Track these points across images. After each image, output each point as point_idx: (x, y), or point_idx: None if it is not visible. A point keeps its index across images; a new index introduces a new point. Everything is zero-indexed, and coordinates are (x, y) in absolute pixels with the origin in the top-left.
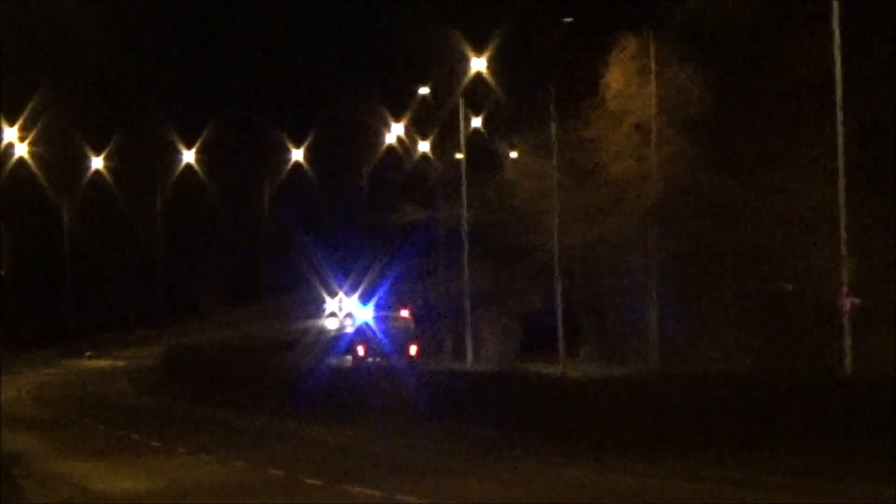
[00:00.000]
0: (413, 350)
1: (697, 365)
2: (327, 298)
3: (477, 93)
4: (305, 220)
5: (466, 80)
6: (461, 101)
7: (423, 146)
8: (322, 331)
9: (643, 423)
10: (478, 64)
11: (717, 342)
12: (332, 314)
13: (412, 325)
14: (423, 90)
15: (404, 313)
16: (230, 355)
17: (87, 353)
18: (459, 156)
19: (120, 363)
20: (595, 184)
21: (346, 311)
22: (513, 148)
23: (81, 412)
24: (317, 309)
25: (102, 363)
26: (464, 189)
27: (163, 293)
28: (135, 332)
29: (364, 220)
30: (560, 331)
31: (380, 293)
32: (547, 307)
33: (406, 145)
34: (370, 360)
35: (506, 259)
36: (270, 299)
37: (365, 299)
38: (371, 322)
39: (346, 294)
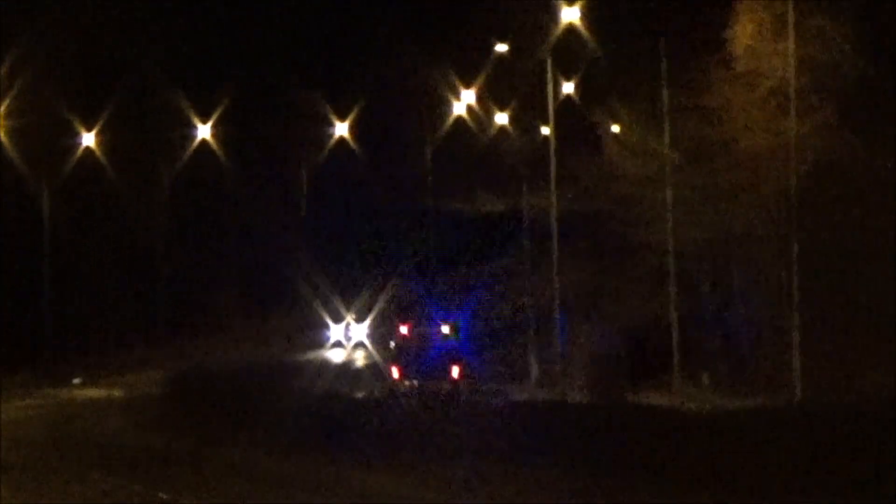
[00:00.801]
0: (455, 372)
1: (852, 395)
2: (331, 324)
3: (568, 50)
4: (349, 212)
5: (555, 35)
6: (549, 62)
7: (501, 118)
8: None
9: (788, 471)
10: (570, 14)
11: (880, 365)
12: (338, 343)
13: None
14: (501, 47)
15: (403, 329)
16: (249, 381)
17: (75, 381)
18: (546, 130)
19: (116, 392)
20: (719, 164)
21: (356, 339)
22: (614, 120)
23: (69, 456)
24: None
25: (94, 392)
26: (552, 172)
27: (167, 305)
28: (132, 353)
29: (426, 212)
30: (675, 350)
31: (425, 302)
32: (658, 321)
33: (479, 117)
34: (406, 383)
35: (605, 260)
36: (304, 309)
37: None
38: (414, 337)
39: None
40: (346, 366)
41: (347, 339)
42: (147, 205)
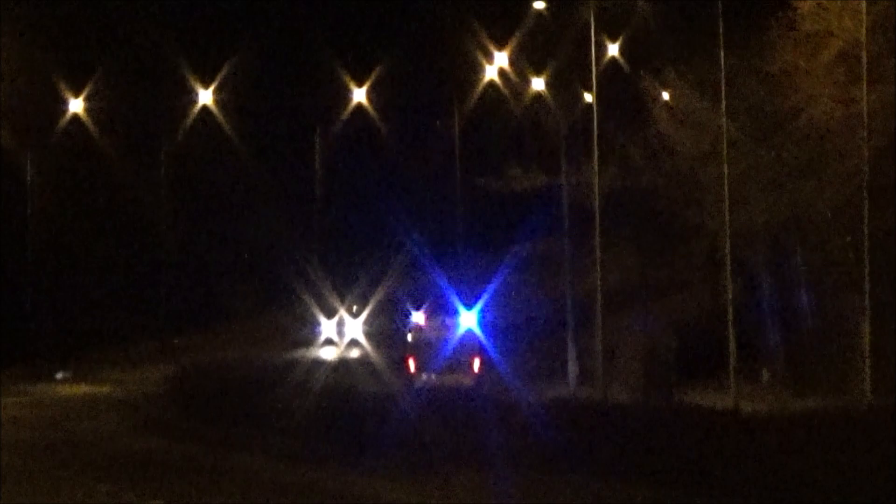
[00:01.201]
0: (476, 365)
1: None
2: (323, 320)
3: (614, 9)
4: (365, 189)
5: None
6: (592, 21)
7: (538, 84)
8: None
9: (859, 483)
10: None
11: None
12: (329, 341)
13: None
14: (538, 4)
15: (418, 317)
16: (260, 378)
17: (59, 375)
18: (588, 98)
19: (105, 389)
20: (782, 137)
21: (350, 336)
22: (664, 87)
23: (57, 461)
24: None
25: (82, 389)
26: (595, 145)
27: (167, 292)
28: (129, 347)
29: (452, 188)
30: (731, 346)
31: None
32: (712, 312)
33: (513, 83)
34: (423, 377)
35: (654, 244)
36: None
37: (435, 299)
38: (431, 328)
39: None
40: (337, 366)
41: (341, 336)
42: (144, 180)
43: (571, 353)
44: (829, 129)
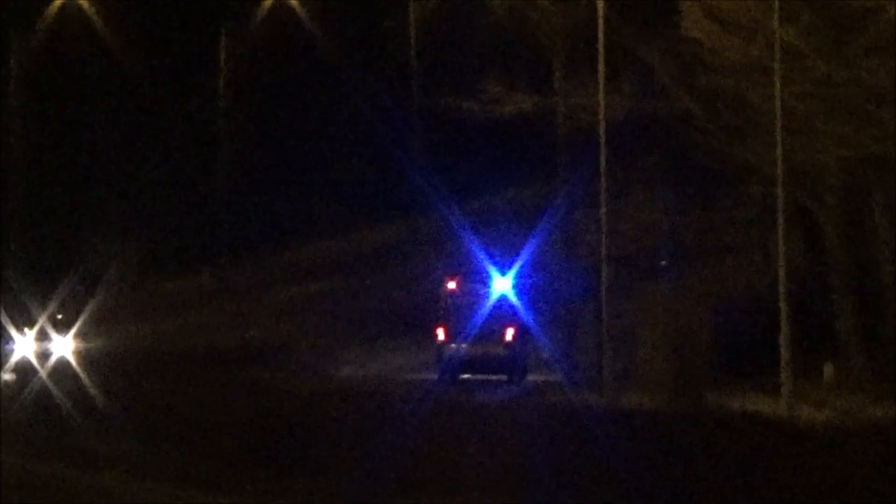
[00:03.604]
0: (510, 334)
1: None
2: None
3: None
4: (290, 110)
5: None
6: None
7: None
8: None
9: None
10: None
11: None
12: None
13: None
14: None
15: (451, 285)
16: (182, 372)
17: None
18: None
19: None
20: (857, 46)
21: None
22: None
23: None
24: None
25: None
26: (600, 55)
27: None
28: None
29: (409, 113)
30: (784, 331)
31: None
32: (764, 287)
33: None
34: (453, 346)
35: (685, 191)
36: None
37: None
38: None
39: None
40: None
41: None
42: None
43: (580, 342)
44: None
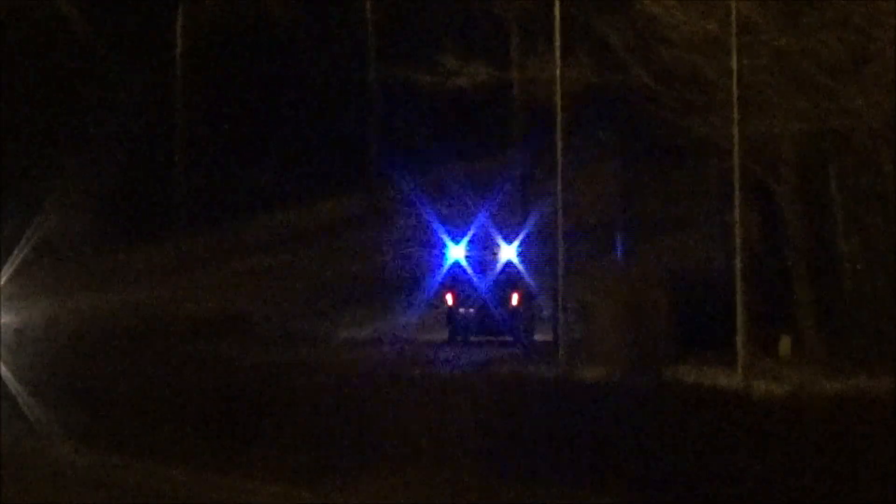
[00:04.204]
0: (515, 299)
1: None
2: None
3: None
4: (255, 87)
5: None
6: None
7: None
8: None
9: None
10: None
11: None
12: None
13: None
14: None
15: (457, 251)
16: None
17: None
18: None
19: None
20: (816, 17)
21: None
22: None
23: None
24: None
25: None
26: (556, 28)
27: None
28: None
29: (369, 82)
30: (738, 302)
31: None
32: (721, 259)
33: None
34: (462, 310)
35: (639, 164)
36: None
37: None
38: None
39: None
40: None
41: None
42: None
43: (540, 310)
44: (878, 8)
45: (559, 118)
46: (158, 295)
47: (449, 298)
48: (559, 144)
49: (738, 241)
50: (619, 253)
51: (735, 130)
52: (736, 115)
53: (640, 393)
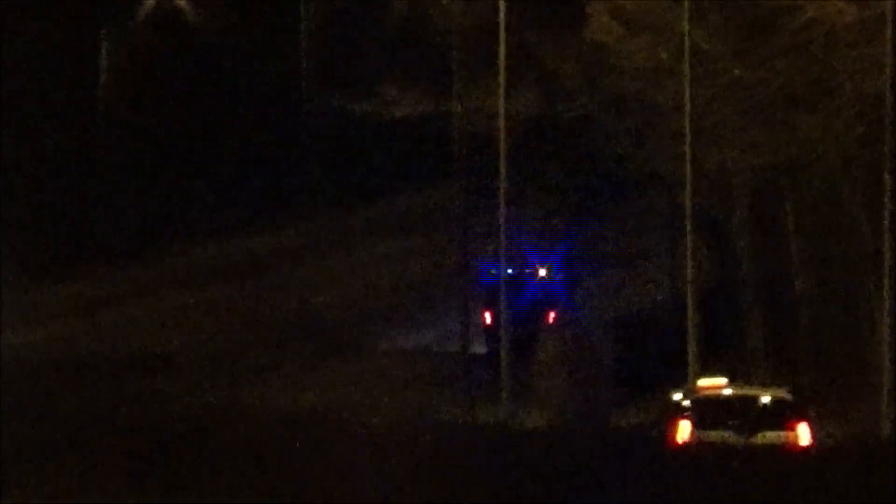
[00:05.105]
0: (551, 317)
1: None
2: None
3: None
4: (187, 116)
5: None
6: None
7: None
8: None
9: None
10: None
11: None
12: None
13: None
14: None
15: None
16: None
17: None
18: None
19: None
20: (770, 46)
21: None
22: None
23: None
24: None
25: None
26: (501, 56)
27: None
28: None
29: (299, 111)
30: (692, 343)
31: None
32: (672, 297)
33: None
34: (500, 331)
35: (589, 199)
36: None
37: None
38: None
39: None
40: None
41: None
42: None
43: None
44: (837, 38)
45: (502, 150)
46: (83, 330)
47: (487, 317)
48: (502, 177)
49: (689, 281)
50: (564, 290)
51: (688, 163)
52: (689, 147)
53: (582, 439)
